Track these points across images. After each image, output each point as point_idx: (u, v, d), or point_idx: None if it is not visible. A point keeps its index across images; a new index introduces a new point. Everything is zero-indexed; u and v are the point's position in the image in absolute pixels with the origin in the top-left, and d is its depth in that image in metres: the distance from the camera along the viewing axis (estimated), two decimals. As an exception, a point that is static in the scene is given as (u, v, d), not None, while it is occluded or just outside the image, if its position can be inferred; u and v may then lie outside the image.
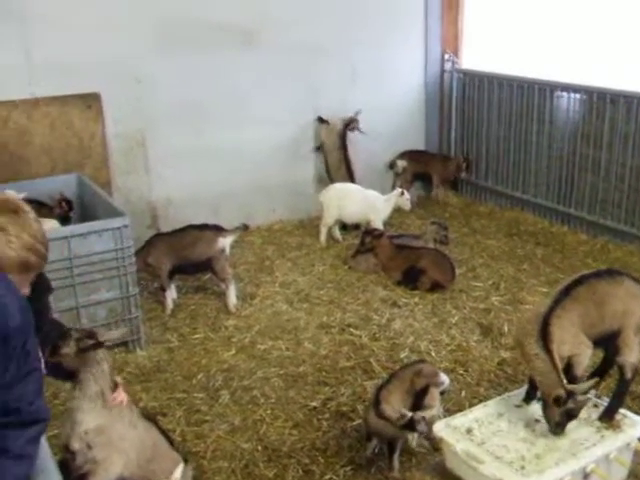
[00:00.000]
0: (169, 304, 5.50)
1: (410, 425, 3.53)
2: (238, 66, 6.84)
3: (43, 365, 1.95)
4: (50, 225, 4.97)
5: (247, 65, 6.88)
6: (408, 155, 7.97)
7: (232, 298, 5.55)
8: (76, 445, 2.91)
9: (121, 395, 3.11)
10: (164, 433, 3.37)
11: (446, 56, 8.08)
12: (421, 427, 3.52)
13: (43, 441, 1.93)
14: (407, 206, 6.91)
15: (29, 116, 6.11)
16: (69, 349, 2.94)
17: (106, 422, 2.99)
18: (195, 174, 6.87)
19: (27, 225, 2.10)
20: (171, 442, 3.37)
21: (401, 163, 7.88)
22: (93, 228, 4.45)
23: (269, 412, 4.31)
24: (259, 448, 4.01)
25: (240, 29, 6.81)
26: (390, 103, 7.85)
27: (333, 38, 7.25)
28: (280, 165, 7.33)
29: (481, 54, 8.07)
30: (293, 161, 7.39)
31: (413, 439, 3.91)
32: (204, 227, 5.61)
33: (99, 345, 3.00)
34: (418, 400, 3.73)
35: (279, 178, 7.35)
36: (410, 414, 3.52)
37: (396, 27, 7.65)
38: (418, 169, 7.98)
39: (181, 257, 5.50)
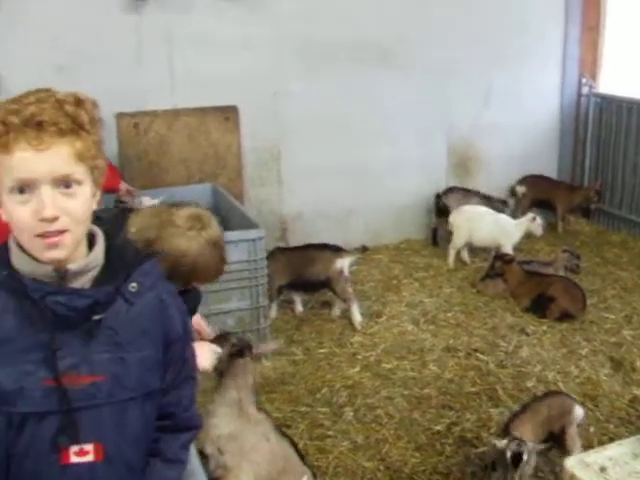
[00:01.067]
0: (272, 314, 5.49)
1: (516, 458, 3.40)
2: (374, 84, 6.85)
3: None
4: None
5: (383, 83, 6.88)
6: (529, 180, 7.68)
7: (357, 316, 5.54)
8: (208, 449, 2.96)
9: None
10: (295, 447, 3.37)
11: (583, 80, 7.84)
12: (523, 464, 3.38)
13: (191, 445, 1.96)
14: (538, 232, 6.73)
15: (169, 126, 6.29)
16: (224, 350, 3.01)
17: (240, 430, 3.03)
18: (326, 189, 6.91)
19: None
20: (302, 456, 3.37)
21: (520, 189, 7.62)
22: (229, 238, 4.50)
23: (392, 432, 4.26)
24: (381, 468, 3.97)
25: (378, 47, 6.82)
26: (523, 126, 7.68)
27: (469, 58, 7.15)
28: (409, 184, 7.28)
29: (620, 78, 7.78)
30: (423, 180, 7.33)
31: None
32: (323, 247, 5.63)
33: (251, 355, 3.06)
34: (554, 439, 3.61)
35: (408, 197, 7.31)
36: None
37: (533, 48, 7.51)
38: (538, 196, 7.64)
39: (297, 275, 5.54)
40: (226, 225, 5.42)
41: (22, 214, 1.50)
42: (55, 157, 1.49)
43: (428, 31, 6.95)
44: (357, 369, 4.96)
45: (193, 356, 1.87)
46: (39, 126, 1.48)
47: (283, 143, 6.70)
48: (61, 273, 1.56)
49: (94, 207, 1.61)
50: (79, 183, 1.53)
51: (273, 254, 5.42)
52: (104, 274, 1.63)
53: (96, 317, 1.58)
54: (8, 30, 5.72)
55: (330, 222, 6.90)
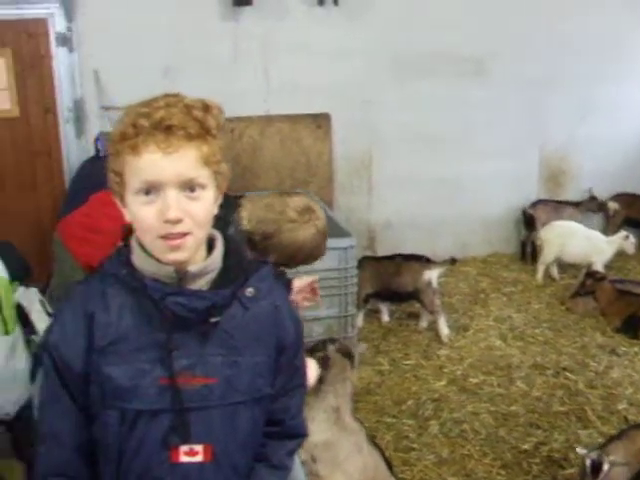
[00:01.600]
0: (359, 323, 5.49)
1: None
2: (466, 96, 6.79)
3: None
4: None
5: (475, 96, 6.82)
6: (623, 198, 7.44)
7: (444, 329, 5.50)
8: (302, 455, 2.97)
9: None
10: (385, 458, 3.37)
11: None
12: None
13: (296, 452, 1.97)
14: (631, 250, 6.56)
15: (262, 132, 6.37)
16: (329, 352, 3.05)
17: (335, 439, 3.04)
18: (415, 199, 6.89)
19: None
20: (390, 467, 3.37)
21: (613, 205, 7.38)
22: (321, 246, 4.55)
23: (478, 448, 4.21)
24: (466, 484, 3.94)
25: (471, 60, 6.77)
26: (619, 142, 7.48)
27: (564, 72, 7.02)
28: (500, 197, 7.20)
29: None
30: (513, 193, 7.23)
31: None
32: (411, 257, 5.61)
33: (352, 362, 3.09)
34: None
35: (498, 210, 7.23)
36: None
37: (632, 63, 7.32)
38: (631, 215, 7.43)
39: (385, 284, 5.54)
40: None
41: (147, 215, 1.53)
42: (182, 160, 1.52)
43: (523, 45, 6.85)
44: (443, 382, 4.93)
45: (304, 364, 1.88)
46: (168, 130, 1.51)
47: (374, 152, 6.72)
48: (181, 274, 1.59)
49: (215, 212, 1.63)
50: (203, 187, 1.56)
51: (361, 263, 5.42)
52: (221, 278, 1.66)
53: (213, 319, 1.61)
54: (111, 34, 5.89)
55: (418, 233, 6.86)
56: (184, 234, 1.53)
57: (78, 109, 6.12)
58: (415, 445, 4.24)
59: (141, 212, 1.54)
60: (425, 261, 5.55)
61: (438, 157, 6.88)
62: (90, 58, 6.01)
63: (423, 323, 5.69)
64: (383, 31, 6.46)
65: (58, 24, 5.99)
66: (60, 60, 6.05)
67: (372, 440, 3.47)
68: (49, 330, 1.68)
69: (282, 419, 1.80)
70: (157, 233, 1.53)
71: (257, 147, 6.36)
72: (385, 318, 5.79)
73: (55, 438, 1.66)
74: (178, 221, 1.52)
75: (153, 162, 1.51)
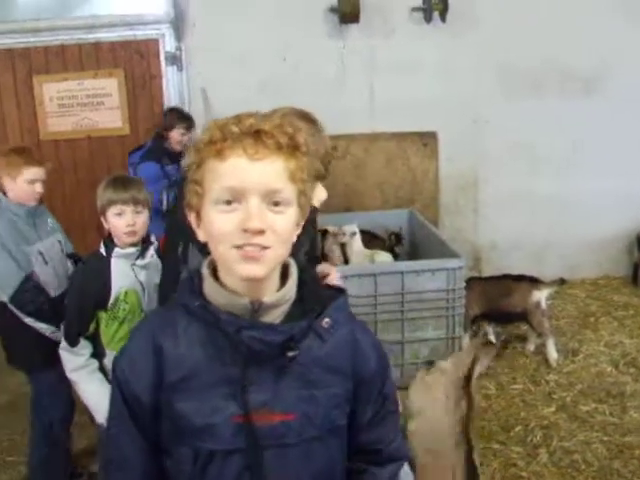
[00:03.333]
0: (464, 344, 5.29)
1: None
2: (577, 114, 6.60)
3: None
4: (383, 258, 5.11)
5: (586, 113, 6.62)
6: None
7: (552, 353, 5.32)
8: None
9: None
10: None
11: None
12: None
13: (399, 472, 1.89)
14: None
15: (366, 150, 6.35)
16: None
17: None
18: (522, 219, 6.74)
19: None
20: None
21: None
22: (429, 266, 4.48)
23: (590, 480, 4.06)
24: (576, 518, 3.80)
25: (581, 76, 6.60)
26: None
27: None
28: (611, 218, 6.94)
29: None
30: (625, 215, 6.97)
31: None
32: (520, 278, 5.43)
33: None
34: None
35: (608, 231, 6.98)
36: None
37: None
38: None
39: (493, 305, 5.38)
40: (422, 252, 5.40)
41: (225, 223, 1.44)
42: (269, 170, 1.44)
43: (636, 60, 6.64)
44: (552, 409, 4.75)
45: (394, 390, 1.80)
46: (257, 135, 1.44)
47: (480, 171, 6.61)
48: (255, 306, 1.50)
49: (294, 238, 1.54)
50: (287, 203, 1.47)
51: (469, 283, 5.30)
52: (296, 308, 1.57)
53: (290, 353, 1.52)
54: (219, 52, 5.99)
55: (525, 253, 6.71)
56: (264, 247, 1.44)
57: (187, 127, 6.22)
58: (524, 474, 4.10)
59: (219, 220, 1.45)
60: (534, 281, 5.38)
61: (546, 176, 6.71)
62: (198, 76, 6.13)
63: (531, 346, 5.53)
64: (491, 48, 6.37)
65: (168, 44, 6.15)
66: (169, 79, 6.22)
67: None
68: (118, 360, 1.61)
69: (379, 449, 1.73)
70: (233, 242, 1.43)
71: (361, 165, 6.33)
72: (491, 340, 5.65)
73: (123, 470, 1.61)
74: (260, 232, 1.42)
75: (238, 167, 1.43)
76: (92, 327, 3.08)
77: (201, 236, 1.54)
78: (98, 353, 3.13)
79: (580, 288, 6.75)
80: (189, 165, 1.52)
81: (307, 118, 2.70)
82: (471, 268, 6.56)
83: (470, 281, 5.32)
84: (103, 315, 3.07)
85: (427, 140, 6.38)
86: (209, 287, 1.55)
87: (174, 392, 1.53)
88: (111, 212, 3.06)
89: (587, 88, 6.62)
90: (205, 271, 1.56)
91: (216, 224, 1.45)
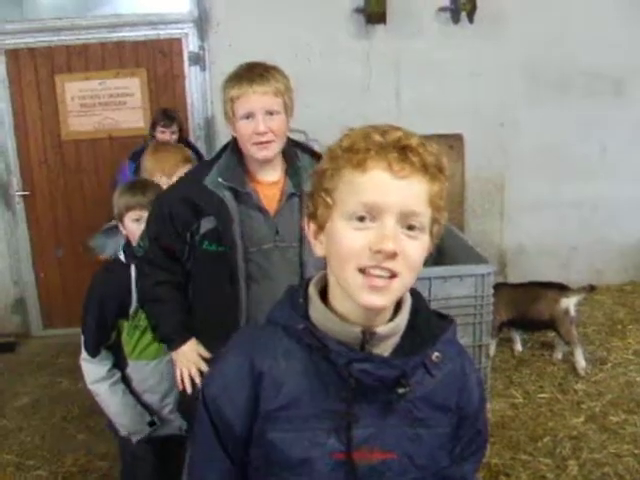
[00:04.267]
0: (491, 352, 5.24)
1: None
2: (605, 116, 6.50)
3: None
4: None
5: (614, 116, 6.51)
6: None
7: (580, 361, 5.21)
8: None
9: None
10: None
11: None
12: None
13: None
14: None
15: (391, 152, 6.25)
16: None
17: None
18: (548, 224, 6.63)
19: None
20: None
21: None
22: (456, 272, 4.37)
23: (622, 495, 3.95)
24: (608, 532, 3.69)
25: (610, 78, 6.49)
26: None
27: None
28: (636, 224, 6.84)
29: None
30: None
31: None
32: (548, 285, 5.33)
33: None
34: None
35: (635, 237, 6.87)
36: None
37: None
38: None
39: (520, 312, 5.28)
40: (448, 258, 5.30)
41: (356, 241, 1.30)
42: (411, 190, 1.30)
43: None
44: (581, 419, 4.64)
45: (486, 426, 1.68)
46: (404, 150, 1.30)
47: (507, 174, 6.51)
48: (367, 336, 1.37)
49: (421, 268, 1.39)
50: (422, 229, 1.33)
51: (496, 289, 5.19)
52: (406, 339, 1.44)
53: (401, 390, 1.39)
54: (243, 52, 5.90)
55: (551, 259, 6.60)
56: (392, 275, 1.30)
57: (209, 127, 6.17)
58: (553, 486, 4.01)
59: (349, 238, 1.31)
60: (562, 288, 5.27)
61: (573, 180, 6.59)
62: (221, 77, 5.94)
63: (558, 354, 5.42)
64: (519, 49, 6.26)
65: (191, 43, 6.09)
66: (192, 79, 6.16)
67: None
68: (208, 379, 1.53)
69: None
70: (360, 263, 1.30)
71: (386, 168, 6.23)
72: (518, 347, 5.56)
73: None
74: (393, 255, 1.28)
75: (380, 182, 1.30)
76: (113, 336, 3.00)
77: (319, 251, 1.41)
78: (120, 363, 3.05)
79: (606, 294, 6.63)
80: (319, 171, 1.40)
81: None
82: (496, 273, 6.42)
83: (497, 287, 5.21)
84: (125, 324, 2.98)
85: (453, 143, 6.28)
86: (316, 309, 1.42)
87: (270, 421, 1.42)
88: (129, 217, 2.98)
89: (616, 90, 6.50)
90: (312, 290, 1.44)
91: (345, 240, 1.32)
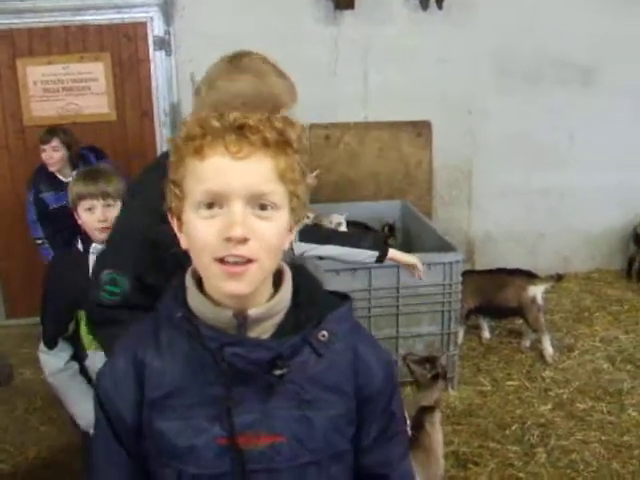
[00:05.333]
0: (459, 339, 5.22)
1: None
2: (573, 105, 6.50)
3: None
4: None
5: (582, 105, 6.52)
6: None
7: (548, 348, 5.22)
8: None
9: None
10: None
11: None
12: None
13: None
14: None
15: (360, 139, 6.22)
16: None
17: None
18: (516, 212, 6.65)
19: None
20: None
21: None
22: (425, 260, 4.33)
23: (589, 481, 3.95)
24: (578, 520, 3.69)
25: (578, 68, 6.48)
26: None
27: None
28: (605, 211, 6.86)
29: None
30: (620, 208, 6.87)
31: None
32: (516, 272, 5.34)
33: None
34: None
35: (603, 225, 6.90)
36: None
37: None
38: None
39: (487, 299, 5.29)
40: (416, 245, 5.28)
41: (206, 231, 1.27)
42: (254, 169, 1.27)
43: (635, 53, 6.53)
44: (549, 406, 4.66)
45: (401, 408, 1.64)
46: (241, 130, 1.27)
47: (475, 162, 6.50)
48: (240, 320, 1.35)
49: (287, 243, 1.37)
50: (276, 207, 1.30)
51: (463, 277, 5.19)
52: (289, 319, 1.40)
53: (278, 372, 1.36)
54: (209, 37, 5.83)
55: (519, 246, 6.62)
56: (248, 260, 1.28)
57: (175, 113, 6.08)
58: (521, 474, 3.99)
59: (199, 228, 1.28)
60: (530, 276, 5.28)
61: (541, 168, 6.60)
62: (187, 62, 5.96)
63: (526, 342, 5.43)
64: (487, 37, 6.23)
65: (156, 27, 5.99)
66: (157, 64, 6.07)
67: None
68: (100, 378, 1.48)
69: (385, 474, 1.55)
70: (214, 254, 1.27)
71: (354, 155, 6.20)
72: (486, 335, 5.56)
73: None
74: (243, 240, 1.25)
75: (220, 168, 1.26)
76: (71, 327, 2.91)
77: (183, 243, 1.38)
78: (78, 355, 2.97)
79: (573, 282, 6.67)
80: (168, 164, 1.36)
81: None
82: (464, 261, 6.43)
83: (465, 275, 5.20)
84: (82, 314, 2.89)
85: (421, 130, 6.25)
86: (192, 297, 1.39)
87: (155, 410, 1.40)
88: (81, 207, 2.89)
89: (584, 79, 6.51)
90: (189, 280, 1.41)
91: (196, 232, 1.30)
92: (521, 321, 5.45)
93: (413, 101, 6.18)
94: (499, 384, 4.94)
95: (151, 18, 5.96)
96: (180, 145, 1.32)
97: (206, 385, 1.37)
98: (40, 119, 5.94)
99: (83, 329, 2.91)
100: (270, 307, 1.37)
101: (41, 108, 5.97)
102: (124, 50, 6.01)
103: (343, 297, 1.48)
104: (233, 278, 1.28)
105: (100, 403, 1.46)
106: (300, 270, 1.47)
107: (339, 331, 1.42)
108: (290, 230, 1.37)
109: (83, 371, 2.97)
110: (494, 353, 5.37)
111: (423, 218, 5.47)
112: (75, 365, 2.95)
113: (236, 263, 1.27)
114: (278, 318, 1.39)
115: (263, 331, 1.38)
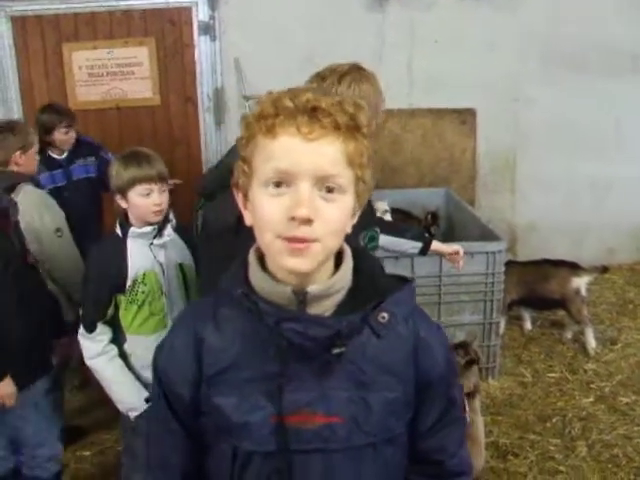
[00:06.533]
0: (501, 330, 5.12)
1: None
2: (621, 94, 6.37)
3: None
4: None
5: (631, 93, 6.41)
6: None
7: (590, 341, 5.15)
8: None
9: None
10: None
11: None
12: None
13: None
14: None
15: (403, 126, 6.18)
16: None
17: None
18: (561, 201, 6.55)
19: None
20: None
21: None
22: (468, 249, 4.29)
23: (632, 477, 3.84)
24: (618, 514, 3.64)
25: (628, 55, 6.35)
26: None
27: None
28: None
29: None
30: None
31: None
32: (560, 263, 5.25)
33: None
34: None
35: (647, 215, 6.79)
36: None
37: None
38: None
39: (530, 290, 5.22)
40: (459, 234, 5.24)
41: (272, 209, 1.28)
42: (323, 152, 1.27)
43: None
44: (591, 399, 4.59)
45: (460, 394, 1.62)
46: (313, 112, 1.27)
47: (519, 150, 6.42)
48: (300, 296, 1.35)
49: (349, 229, 1.37)
50: (342, 191, 1.30)
51: (507, 267, 5.13)
52: (351, 299, 1.40)
53: (336, 350, 1.35)
54: (253, 22, 5.83)
55: (562, 236, 6.51)
56: (311, 240, 1.28)
57: (218, 98, 6.10)
58: (562, 468, 3.94)
59: (266, 205, 1.29)
60: (574, 267, 5.20)
61: (587, 158, 6.48)
62: (231, 47, 5.97)
63: (568, 333, 5.36)
64: (534, 24, 6.14)
65: (201, 13, 5.99)
66: (202, 49, 6.06)
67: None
68: (157, 354, 1.50)
69: (440, 460, 1.55)
70: (279, 232, 1.28)
71: (397, 141, 6.16)
72: (527, 326, 5.50)
73: (163, 468, 1.52)
74: (307, 221, 1.25)
75: (290, 147, 1.27)
76: (110, 312, 2.93)
77: (248, 219, 1.39)
78: (118, 339, 2.99)
79: (618, 274, 6.55)
80: (238, 140, 1.38)
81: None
82: (507, 249, 6.37)
83: (508, 265, 5.14)
84: (122, 299, 2.91)
85: (465, 117, 6.19)
86: (254, 274, 1.40)
87: (213, 386, 1.41)
88: (136, 192, 2.85)
89: (634, 66, 6.38)
90: (252, 257, 1.42)
91: (262, 209, 1.30)
92: (563, 312, 5.38)
93: (458, 88, 6.11)
94: (540, 375, 4.89)
95: (196, 3, 5.96)
96: (252, 123, 1.32)
97: (264, 361, 1.38)
98: (85, 104, 5.99)
99: (122, 313, 2.93)
100: (330, 285, 1.38)
101: (86, 93, 6.01)
102: (168, 35, 6.02)
103: (404, 280, 1.48)
104: (295, 254, 1.28)
105: (158, 379, 1.48)
106: (361, 252, 1.47)
107: (399, 313, 1.42)
108: (354, 214, 1.37)
109: (122, 355, 2.99)
110: (536, 344, 5.31)
111: (466, 206, 5.42)
112: (114, 349, 2.97)
113: (299, 240, 1.27)
114: (338, 297, 1.40)
115: (323, 310, 1.38)
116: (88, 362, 2.98)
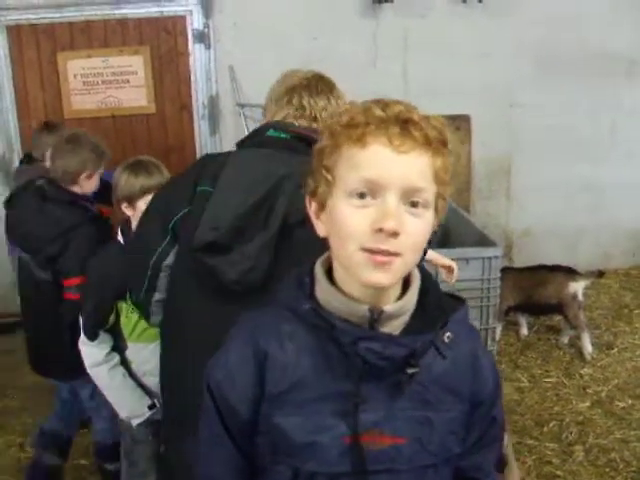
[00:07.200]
0: (497, 336, 5.13)
1: None
2: (616, 98, 6.42)
3: None
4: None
5: (625, 98, 6.45)
6: None
7: (587, 346, 5.16)
8: None
9: None
10: None
11: None
12: None
13: None
14: None
15: (398, 133, 6.18)
16: None
17: None
18: (556, 206, 6.55)
19: None
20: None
21: None
22: (463, 255, 4.30)
23: (629, 481, 3.90)
24: (611, 521, 3.64)
25: (622, 59, 6.39)
26: None
27: None
28: (645, 207, 6.78)
29: None
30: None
31: None
32: (556, 268, 5.26)
33: None
34: None
35: (642, 220, 6.81)
36: None
37: None
38: None
39: (527, 296, 5.23)
40: (454, 239, 5.24)
41: (356, 220, 1.25)
42: (413, 165, 1.25)
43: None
44: (587, 404, 4.60)
45: (501, 415, 1.60)
46: (405, 124, 1.25)
47: (515, 156, 6.44)
48: (375, 315, 1.33)
49: (425, 244, 1.34)
50: (426, 206, 1.28)
51: (503, 273, 5.13)
52: (415, 320, 1.38)
53: (411, 370, 1.33)
54: (248, 30, 5.85)
55: (558, 241, 6.52)
56: (394, 254, 1.25)
57: (213, 106, 6.11)
58: (559, 472, 3.96)
59: (350, 216, 1.26)
60: (571, 272, 5.21)
61: (582, 162, 6.50)
62: (226, 55, 5.99)
63: (564, 338, 5.38)
64: (528, 30, 6.15)
65: (196, 21, 6.00)
66: (196, 57, 6.08)
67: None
68: (213, 364, 1.45)
69: (477, 478, 1.54)
70: (363, 243, 1.25)
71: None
72: (524, 331, 5.51)
73: None
74: (394, 234, 1.23)
75: (380, 158, 1.24)
76: (112, 319, 2.92)
77: (321, 230, 1.36)
78: (119, 346, 2.99)
79: (613, 278, 6.57)
80: (320, 149, 1.34)
81: None
82: (502, 255, 6.39)
83: (504, 271, 5.14)
84: (123, 306, 2.91)
85: (460, 124, 6.20)
86: (323, 289, 1.37)
87: (276, 404, 1.37)
88: (146, 200, 2.75)
89: (628, 71, 6.42)
90: (319, 270, 1.39)
91: (345, 219, 1.27)
92: (559, 317, 5.40)
93: (452, 95, 6.10)
94: (537, 380, 4.90)
95: (190, 11, 5.98)
96: (339, 131, 1.29)
97: (333, 380, 1.35)
98: (80, 112, 6.00)
99: (123, 321, 2.93)
100: (403, 304, 1.35)
101: (81, 101, 6.02)
102: (163, 44, 6.03)
103: (457, 298, 1.47)
104: (378, 268, 1.25)
105: (211, 394, 1.43)
106: (424, 271, 1.45)
107: (460, 333, 1.40)
108: (432, 230, 1.33)
109: (124, 362, 2.99)
110: (532, 349, 5.33)
111: (462, 212, 5.43)
112: (116, 357, 2.97)
113: (384, 252, 1.24)
114: (406, 317, 1.38)
115: (392, 329, 1.35)
116: (90, 370, 2.98)
